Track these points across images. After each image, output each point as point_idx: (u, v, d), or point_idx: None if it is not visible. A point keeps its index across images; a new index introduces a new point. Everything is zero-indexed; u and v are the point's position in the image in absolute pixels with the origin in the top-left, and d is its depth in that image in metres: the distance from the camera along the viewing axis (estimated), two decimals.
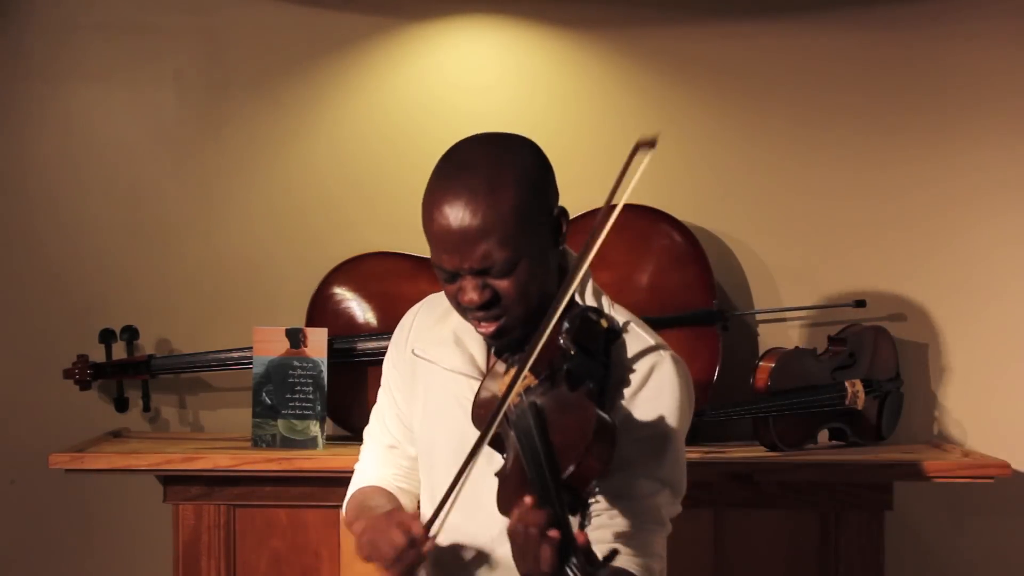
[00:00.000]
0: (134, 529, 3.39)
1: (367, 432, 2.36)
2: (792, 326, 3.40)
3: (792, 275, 3.40)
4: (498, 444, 1.98)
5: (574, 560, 1.75)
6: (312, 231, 3.42)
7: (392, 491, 2.30)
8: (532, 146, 2.06)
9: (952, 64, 3.38)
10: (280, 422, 3.09)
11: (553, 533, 1.75)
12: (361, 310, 3.26)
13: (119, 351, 3.31)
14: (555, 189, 2.06)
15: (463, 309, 2.04)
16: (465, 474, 1.97)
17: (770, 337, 3.37)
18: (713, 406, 3.06)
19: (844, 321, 3.31)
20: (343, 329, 3.23)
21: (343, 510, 2.32)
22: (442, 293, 2.26)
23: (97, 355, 3.28)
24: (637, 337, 2.07)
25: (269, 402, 3.09)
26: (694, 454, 2.99)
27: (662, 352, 2.06)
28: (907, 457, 3.03)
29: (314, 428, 3.08)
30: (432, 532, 2.00)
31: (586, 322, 1.94)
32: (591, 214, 3.28)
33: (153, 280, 3.42)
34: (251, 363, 3.13)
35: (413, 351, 2.21)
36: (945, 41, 3.38)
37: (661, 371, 2.04)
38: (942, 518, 3.35)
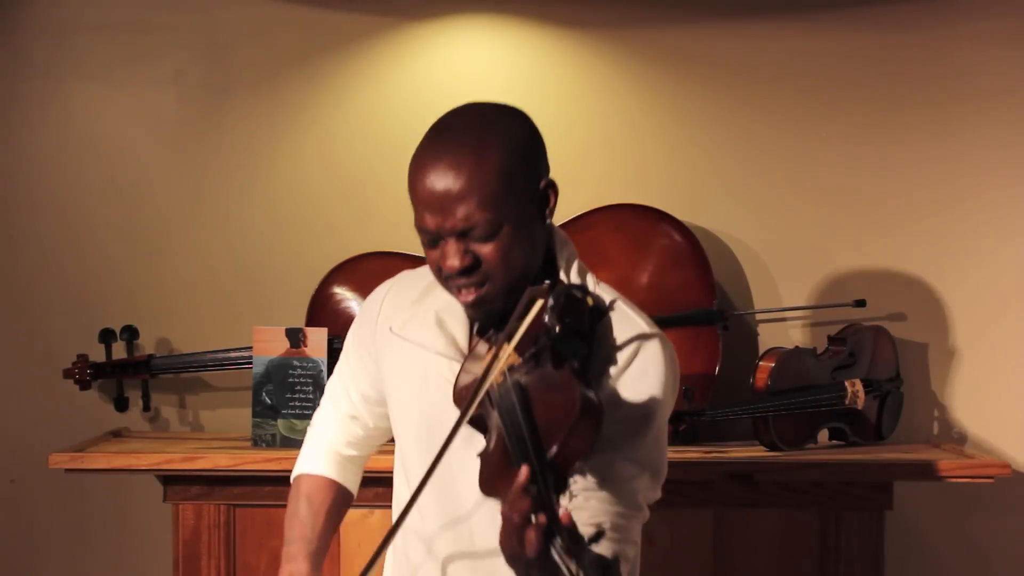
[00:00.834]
0: (134, 529, 3.39)
1: (328, 390, 2.33)
2: (792, 326, 3.40)
3: (792, 275, 3.40)
4: (479, 424, 1.94)
5: (558, 540, 1.71)
6: (312, 231, 3.42)
7: (341, 465, 2.30)
8: (522, 115, 2.04)
9: (954, 64, 3.38)
10: (280, 422, 3.09)
11: (540, 518, 1.72)
12: None
13: (119, 351, 3.31)
14: (545, 162, 2.03)
15: (445, 277, 2.00)
16: (443, 455, 1.92)
17: (770, 337, 3.37)
18: (713, 406, 3.06)
19: (844, 321, 3.32)
20: (343, 329, 3.20)
21: (293, 474, 2.33)
22: (417, 271, 2.21)
23: (97, 355, 3.28)
24: (624, 316, 2.03)
25: (269, 402, 3.09)
26: (694, 454, 3.00)
27: (648, 332, 2.02)
28: (907, 457, 3.03)
29: None
30: (402, 526, 1.97)
31: (571, 300, 1.90)
32: (592, 213, 3.29)
33: (153, 280, 3.43)
34: (251, 363, 3.13)
35: (391, 329, 2.16)
36: (946, 41, 3.38)
37: (647, 351, 2.00)
38: (942, 518, 3.35)
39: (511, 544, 1.77)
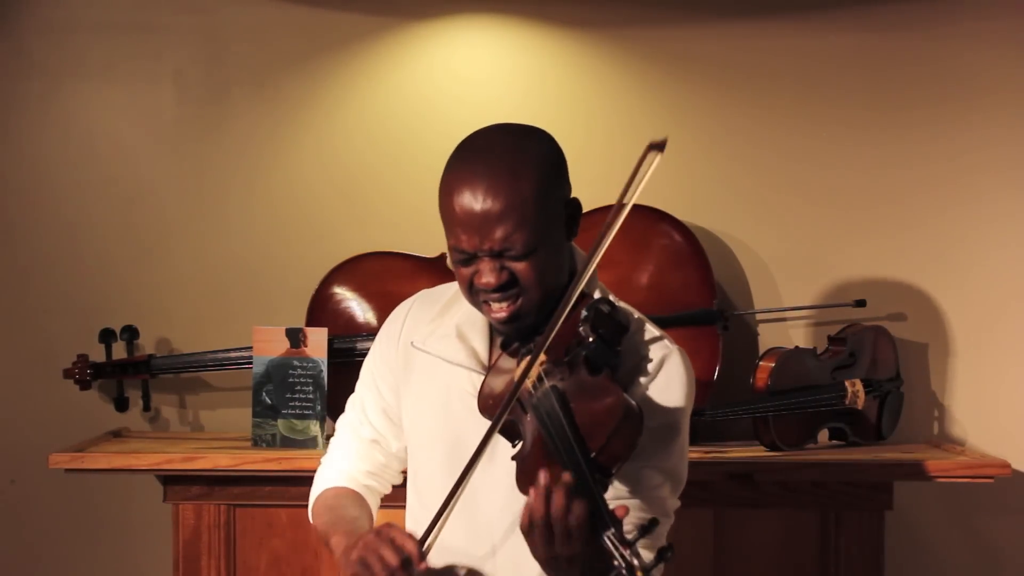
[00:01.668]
0: (134, 529, 3.39)
1: (341, 423, 2.34)
2: (792, 326, 3.40)
3: (792, 275, 3.40)
4: (509, 432, 1.99)
5: (612, 530, 1.77)
6: (312, 231, 3.42)
7: (360, 490, 2.28)
8: (549, 136, 2.10)
9: (954, 65, 3.38)
10: (280, 422, 3.09)
11: (580, 507, 1.77)
12: (361, 310, 3.26)
13: (119, 351, 3.31)
14: (569, 181, 2.10)
15: (476, 293, 2.04)
16: (475, 463, 1.97)
17: (770, 337, 3.37)
18: (713, 406, 3.06)
19: (844, 321, 3.32)
20: (343, 329, 3.23)
21: (310, 505, 2.30)
22: (436, 288, 2.27)
23: (97, 355, 3.28)
24: (646, 331, 2.11)
25: (269, 402, 3.09)
26: (694, 454, 2.98)
27: (670, 346, 2.10)
28: (907, 457, 3.03)
29: (314, 428, 3.08)
30: (426, 546, 1.98)
31: (601, 312, 1.98)
32: (593, 212, 3.28)
33: (153, 280, 3.43)
34: (251, 363, 3.13)
35: (412, 343, 2.20)
36: (946, 41, 3.38)
37: (671, 363, 2.08)
38: (942, 518, 3.35)
39: (548, 545, 1.80)
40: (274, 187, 3.44)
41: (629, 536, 1.77)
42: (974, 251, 3.39)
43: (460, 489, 1.98)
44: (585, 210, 3.25)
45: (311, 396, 3.08)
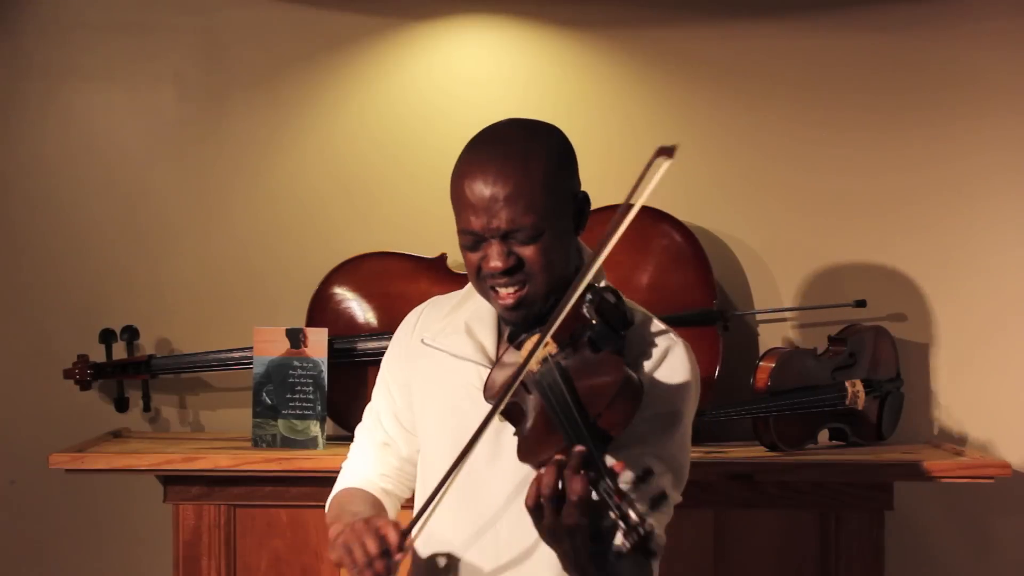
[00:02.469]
0: (134, 529, 3.40)
1: (359, 429, 2.38)
2: (792, 326, 3.40)
3: (792, 275, 3.40)
4: (513, 415, 2.01)
5: (606, 482, 1.80)
6: (312, 231, 3.42)
7: (376, 493, 2.30)
8: (560, 131, 2.14)
9: (955, 65, 3.38)
10: (280, 422, 3.09)
11: (587, 476, 1.79)
12: (361, 310, 3.26)
13: (119, 351, 3.31)
14: (579, 176, 2.14)
15: (484, 278, 2.06)
16: (468, 454, 1.98)
17: (770, 337, 3.37)
18: (713, 406, 3.06)
19: (844, 321, 3.32)
20: (343, 329, 3.23)
21: (326, 507, 2.32)
22: (448, 295, 2.29)
23: (97, 355, 3.28)
24: (652, 322, 2.15)
25: (269, 402, 3.09)
26: (694, 454, 2.98)
27: (675, 338, 2.14)
28: (907, 457, 3.03)
29: (314, 428, 3.08)
30: (414, 533, 2.00)
31: (606, 300, 2.02)
32: (591, 213, 3.27)
33: (153, 280, 3.43)
34: (251, 363, 3.13)
35: (423, 340, 2.24)
36: (946, 42, 3.38)
37: (675, 353, 2.11)
38: (942, 518, 3.35)
39: (556, 517, 1.82)
40: (274, 187, 3.44)
41: (625, 488, 1.80)
42: (975, 251, 3.39)
43: (455, 472, 2.00)
44: None
45: (311, 396, 3.08)
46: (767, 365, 3.10)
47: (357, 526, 2.01)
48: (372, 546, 1.96)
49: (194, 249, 3.43)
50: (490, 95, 3.41)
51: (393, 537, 1.97)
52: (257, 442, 3.09)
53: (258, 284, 3.42)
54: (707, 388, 3.12)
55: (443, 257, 3.27)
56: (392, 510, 2.32)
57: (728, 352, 3.19)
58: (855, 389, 3.16)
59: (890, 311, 3.38)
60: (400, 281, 3.25)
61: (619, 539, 1.79)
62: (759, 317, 3.40)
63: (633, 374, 1.92)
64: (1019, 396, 3.37)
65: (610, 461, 1.85)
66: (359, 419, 2.40)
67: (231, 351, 3.25)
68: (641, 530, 1.76)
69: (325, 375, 3.08)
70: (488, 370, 2.10)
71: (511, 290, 2.05)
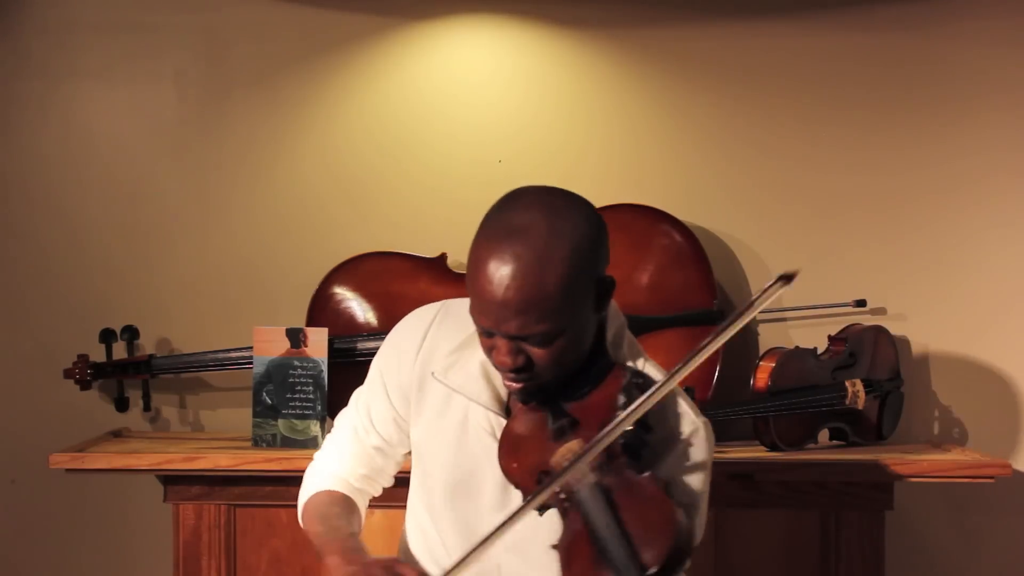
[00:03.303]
0: (134, 529, 3.40)
1: (343, 420, 2.31)
2: (792, 326, 3.40)
3: None
4: (540, 507, 1.96)
5: None
6: (312, 231, 3.42)
7: (350, 493, 2.27)
8: (588, 209, 2.01)
9: (955, 65, 3.38)
10: (280, 422, 3.09)
11: None
12: (361, 310, 3.26)
13: (119, 351, 3.31)
14: (606, 256, 2.02)
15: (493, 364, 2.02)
16: (499, 532, 1.91)
17: (770, 337, 3.37)
18: (713, 406, 3.06)
19: (844, 321, 3.31)
20: (343, 329, 3.23)
21: (300, 504, 2.29)
22: (459, 303, 2.20)
23: (97, 355, 3.28)
24: (677, 404, 2.08)
25: (269, 402, 3.09)
26: None
27: (697, 420, 2.08)
28: (907, 457, 3.02)
29: (314, 428, 3.08)
30: None
31: (635, 394, 1.94)
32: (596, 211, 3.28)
33: (153, 280, 3.43)
34: (251, 363, 3.13)
35: (433, 374, 2.16)
36: (946, 41, 3.37)
37: (698, 438, 2.06)
38: (942, 518, 3.35)
39: None
40: (274, 187, 3.44)
41: None
42: (974, 251, 3.39)
43: (475, 554, 1.93)
44: None
45: (311, 396, 3.08)
46: (767, 365, 3.10)
47: (372, 569, 1.97)
48: None
49: (194, 249, 3.43)
50: (490, 95, 3.41)
51: None
52: (257, 442, 3.09)
53: (258, 284, 3.42)
54: (707, 388, 3.14)
55: (443, 257, 3.27)
56: (363, 508, 2.29)
57: (728, 352, 3.19)
58: (855, 389, 3.16)
59: (890, 311, 3.38)
60: (400, 281, 3.25)
61: None
62: (759, 317, 3.39)
63: (683, 521, 1.85)
64: (1019, 396, 3.37)
65: None
66: None
67: (231, 351, 3.25)
68: None
69: (325, 375, 3.08)
70: (500, 417, 2.07)
71: (519, 384, 1.99)
